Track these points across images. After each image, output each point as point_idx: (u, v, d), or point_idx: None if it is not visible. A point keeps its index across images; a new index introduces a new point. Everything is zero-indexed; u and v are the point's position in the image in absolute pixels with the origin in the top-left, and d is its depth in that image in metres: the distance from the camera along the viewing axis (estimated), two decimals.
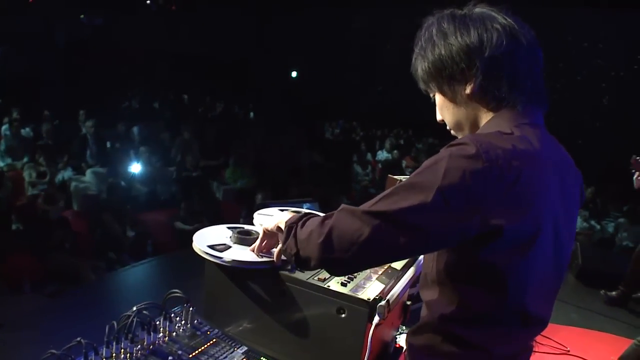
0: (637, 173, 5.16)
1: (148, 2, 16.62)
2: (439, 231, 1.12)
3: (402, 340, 1.86)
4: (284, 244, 1.36)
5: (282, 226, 1.42)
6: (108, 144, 8.89)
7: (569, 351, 3.82)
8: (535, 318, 1.27)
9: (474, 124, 1.31)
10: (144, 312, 1.43)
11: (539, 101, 1.28)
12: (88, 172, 7.53)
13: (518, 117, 1.23)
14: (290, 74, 20.02)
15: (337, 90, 17.24)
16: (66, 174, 7.31)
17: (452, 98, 1.31)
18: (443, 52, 1.26)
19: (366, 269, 1.65)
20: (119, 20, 14.76)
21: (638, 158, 5.10)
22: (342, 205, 1.24)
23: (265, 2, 16.21)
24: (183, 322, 1.60)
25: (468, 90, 1.26)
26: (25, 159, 7.73)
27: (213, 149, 9.87)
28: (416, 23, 1.37)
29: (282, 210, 2.13)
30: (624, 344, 3.82)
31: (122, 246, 6.07)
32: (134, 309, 1.42)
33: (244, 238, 1.74)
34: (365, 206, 1.18)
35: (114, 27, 14.82)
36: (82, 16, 14.93)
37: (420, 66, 1.33)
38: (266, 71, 18.41)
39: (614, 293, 5.48)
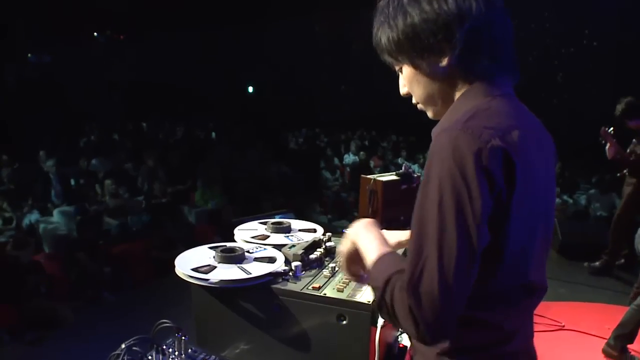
0: (608, 144, 5.25)
1: (95, 34, 16.38)
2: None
3: (405, 340, 1.80)
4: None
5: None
6: (72, 182, 8.67)
7: (563, 326, 3.82)
8: (538, 285, 1.24)
9: (447, 98, 1.24)
10: (134, 348, 1.34)
11: (512, 71, 1.23)
12: (55, 212, 7.32)
13: (493, 89, 1.18)
14: (247, 89, 19.97)
15: (296, 99, 17.26)
16: (33, 217, 7.08)
17: (425, 71, 1.22)
18: (417, 21, 1.16)
19: None
20: (68, 56, 14.50)
21: (607, 129, 5.19)
22: None
23: (211, 22, 16.10)
24: (177, 353, 1.51)
25: (444, 63, 1.18)
26: None
27: (179, 173, 9.70)
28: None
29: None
30: (615, 312, 3.83)
31: (100, 283, 5.90)
32: (123, 346, 1.33)
33: (230, 256, 1.65)
34: None
35: (64, 63, 14.55)
36: (29, 55, 14.62)
37: (386, 36, 1.23)
38: (222, 90, 18.33)
39: (597, 263, 5.54)
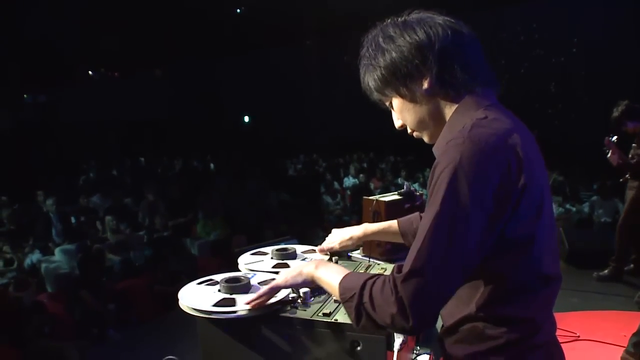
0: (609, 152, 5.24)
1: (90, 73, 16.47)
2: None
3: None
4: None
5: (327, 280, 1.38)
6: (73, 219, 8.62)
7: (579, 336, 3.74)
8: (554, 275, 1.29)
9: (438, 119, 1.33)
10: None
11: (492, 83, 1.34)
12: (57, 251, 7.25)
13: (482, 100, 1.28)
14: (243, 119, 20.05)
15: (292, 126, 17.31)
16: (34, 256, 7.02)
17: (412, 97, 1.33)
18: (394, 54, 1.29)
19: None
20: (63, 95, 14.56)
21: (610, 138, 5.21)
22: None
23: (203, 56, 16.24)
24: None
25: (426, 85, 1.29)
26: None
27: (180, 206, 9.67)
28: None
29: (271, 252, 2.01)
30: (630, 318, 3.76)
31: (105, 321, 5.81)
32: None
33: (235, 286, 1.59)
34: None
35: (60, 102, 14.60)
36: (25, 96, 14.68)
37: (371, 77, 1.36)
38: (218, 121, 18.40)
39: (606, 271, 5.46)
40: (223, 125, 18.75)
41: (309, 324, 1.41)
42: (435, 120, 1.33)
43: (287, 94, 17.18)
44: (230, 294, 1.56)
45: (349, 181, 12.41)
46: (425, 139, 1.40)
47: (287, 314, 1.45)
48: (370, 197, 3.52)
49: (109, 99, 15.63)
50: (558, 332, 3.66)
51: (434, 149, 1.33)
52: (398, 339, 1.31)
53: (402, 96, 1.34)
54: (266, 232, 8.00)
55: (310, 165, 15.11)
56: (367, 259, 2.91)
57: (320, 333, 1.40)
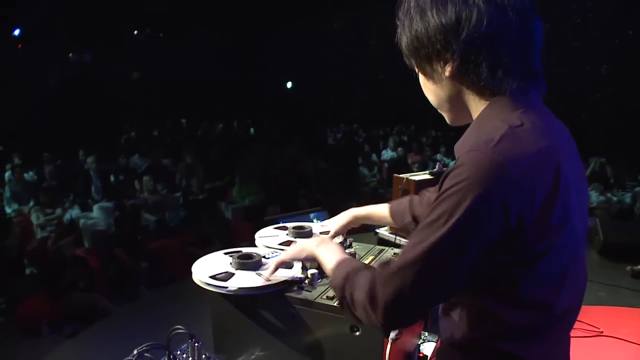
0: None
1: (135, 32, 16.64)
2: None
3: (426, 349, 1.75)
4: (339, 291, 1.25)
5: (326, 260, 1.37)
6: (112, 178, 8.86)
7: (602, 332, 3.69)
8: (572, 307, 1.18)
9: (459, 106, 1.20)
10: (146, 354, 1.33)
11: (534, 83, 1.15)
12: (95, 207, 7.50)
13: (520, 101, 1.11)
14: (285, 85, 20.03)
15: (334, 95, 17.21)
16: (73, 212, 7.28)
17: (432, 77, 1.20)
18: (420, 28, 1.15)
19: None
20: (108, 54, 14.78)
21: None
22: None
23: (252, 20, 16.20)
24: (190, 358, 1.49)
25: (447, 73, 1.15)
26: (31, 203, 7.71)
27: (217, 169, 9.81)
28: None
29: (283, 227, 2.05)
30: None
31: (137, 278, 6.01)
32: (135, 352, 1.32)
33: (246, 262, 1.63)
34: None
35: (104, 62, 14.83)
36: (70, 55, 14.95)
37: (403, 39, 1.22)
38: (261, 85, 18.41)
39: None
40: (266, 91, 18.78)
41: (312, 305, 1.45)
42: (456, 107, 1.21)
43: (334, 64, 17.06)
44: (237, 269, 1.60)
45: (387, 154, 12.35)
46: (447, 119, 1.28)
47: (293, 294, 1.49)
48: (401, 175, 3.52)
49: (153, 60, 15.79)
50: (580, 325, 3.63)
51: (455, 147, 1.21)
52: (392, 332, 1.33)
53: (423, 73, 1.22)
54: (300, 200, 8.05)
55: (350, 135, 15.08)
56: (394, 236, 2.94)
57: (322, 315, 1.43)
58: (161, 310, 4.08)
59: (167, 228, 7.32)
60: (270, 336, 1.54)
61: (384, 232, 3.33)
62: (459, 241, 1.01)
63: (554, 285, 1.10)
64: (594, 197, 7.90)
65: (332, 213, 2.07)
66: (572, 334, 1.27)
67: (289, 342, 1.51)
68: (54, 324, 4.90)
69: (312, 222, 2.80)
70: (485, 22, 1.07)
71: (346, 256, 1.32)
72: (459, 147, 1.19)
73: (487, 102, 1.15)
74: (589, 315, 3.80)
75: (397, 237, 2.69)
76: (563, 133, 1.17)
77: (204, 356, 1.52)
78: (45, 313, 4.91)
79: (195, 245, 6.58)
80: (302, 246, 1.48)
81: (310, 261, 1.50)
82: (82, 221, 7.06)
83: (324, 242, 1.43)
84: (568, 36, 11.99)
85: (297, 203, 7.91)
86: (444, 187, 1.03)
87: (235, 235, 7.17)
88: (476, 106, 1.17)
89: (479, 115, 1.16)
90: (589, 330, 3.69)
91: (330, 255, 1.35)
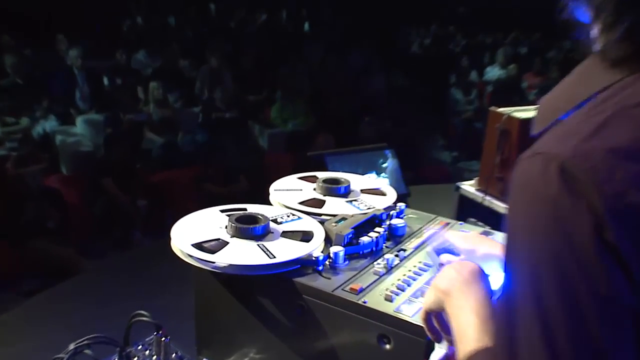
0: None
1: None
2: None
3: None
4: None
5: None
6: (105, 81, 8.92)
7: None
8: None
9: None
10: (86, 351, 1.31)
11: None
12: (79, 120, 7.55)
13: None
14: None
15: None
16: (47, 124, 7.30)
17: None
18: None
19: None
20: None
21: None
22: None
23: None
24: (155, 357, 1.49)
25: None
26: None
27: (252, 78, 9.78)
28: None
29: None
30: None
31: (131, 221, 6.09)
32: (71, 347, 1.31)
33: (245, 228, 1.60)
34: None
35: None
36: None
37: None
38: None
39: None
40: None
41: (330, 299, 1.42)
42: None
43: None
44: (232, 237, 1.58)
45: (493, 72, 12.04)
46: None
47: (304, 280, 1.46)
48: (499, 110, 3.43)
49: None
50: None
51: (532, 128, 1.03)
52: (439, 350, 1.27)
53: None
54: (363, 129, 7.97)
55: (444, 42, 14.72)
56: (482, 194, 2.94)
57: (342, 314, 1.40)
58: (150, 272, 4.16)
59: (177, 155, 7.34)
60: (269, 335, 1.53)
61: (467, 187, 3.31)
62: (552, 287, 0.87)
63: None
64: None
65: (404, 153, 1.98)
66: None
67: (294, 345, 1.51)
68: (10, 277, 4.91)
69: (368, 173, 2.75)
70: None
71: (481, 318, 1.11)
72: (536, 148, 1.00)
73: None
74: None
75: (486, 197, 2.67)
76: None
77: (174, 355, 1.51)
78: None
79: (214, 182, 6.60)
80: (433, 283, 1.24)
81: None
82: (59, 138, 7.13)
83: (460, 289, 1.17)
84: None
85: (358, 134, 7.84)
86: (510, 195, 0.94)
87: (271, 170, 7.14)
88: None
89: (569, 75, 1.05)
90: None
91: (465, 323, 1.12)
